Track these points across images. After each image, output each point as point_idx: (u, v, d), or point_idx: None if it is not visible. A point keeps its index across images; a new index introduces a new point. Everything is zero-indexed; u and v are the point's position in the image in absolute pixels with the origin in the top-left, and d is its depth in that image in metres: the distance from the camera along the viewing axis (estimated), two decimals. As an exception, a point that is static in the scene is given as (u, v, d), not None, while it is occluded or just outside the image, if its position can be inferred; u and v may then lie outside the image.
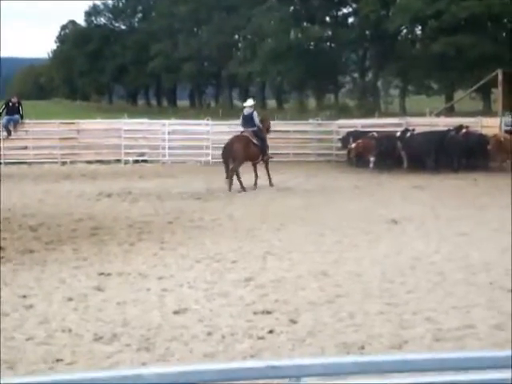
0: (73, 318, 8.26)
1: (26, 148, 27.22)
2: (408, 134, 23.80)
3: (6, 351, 7.15)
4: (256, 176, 20.20)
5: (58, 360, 7.00)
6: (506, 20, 54.01)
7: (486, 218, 14.55)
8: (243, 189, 19.40)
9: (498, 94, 29.02)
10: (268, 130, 21.45)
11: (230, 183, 19.44)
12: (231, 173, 19.53)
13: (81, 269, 10.52)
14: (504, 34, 53.86)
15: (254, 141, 20.25)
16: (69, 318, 8.23)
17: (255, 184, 20.13)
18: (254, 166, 20.41)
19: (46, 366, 6.85)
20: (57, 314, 8.38)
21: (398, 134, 24.07)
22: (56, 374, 5.95)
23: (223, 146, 20.48)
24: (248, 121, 20.58)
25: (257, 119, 20.69)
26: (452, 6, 50.43)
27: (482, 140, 23.39)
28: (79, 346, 7.37)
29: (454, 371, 3.75)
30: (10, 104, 27.32)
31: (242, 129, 20.82)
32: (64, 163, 26.85)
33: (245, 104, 22.19)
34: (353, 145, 24.72)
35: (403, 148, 23.85)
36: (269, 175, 20.45)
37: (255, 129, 20.50)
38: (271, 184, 20.25)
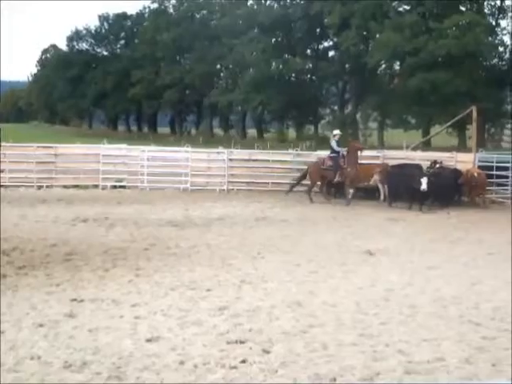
0: (43, 344, 8.15)
1: (1, 171, 27.00)
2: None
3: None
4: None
5: (26, 387, 6.89)
6: (481, 58, 54.93)
7: (457, 253, 14.74)
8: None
9: (472, 130, 29.24)
10: (360, 150, 25.08)
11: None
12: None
13: (53, 294, 10.41)
14: (479, 72, 54.76)
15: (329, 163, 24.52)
16: (38, 345, 8.11)
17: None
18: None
19: (14, 394, 6.73)
20: (26, 341, 8.25)
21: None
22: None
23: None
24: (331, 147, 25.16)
25: (335, 146, 24.66)
26: (429, 44, 51.22)
27: (455, 175, 23.55)
28: (48, 374, 7.26)
29: None
30: (-13, 127, 27.15)
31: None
32: (40, 187, 26.67)
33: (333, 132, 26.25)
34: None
35: (381, 181, 24.03)
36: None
37: (335, 155, 24.54)
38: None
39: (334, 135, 25.24)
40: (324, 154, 29.01)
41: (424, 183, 21.55)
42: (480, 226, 19.03)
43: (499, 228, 18.42)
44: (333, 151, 24.74)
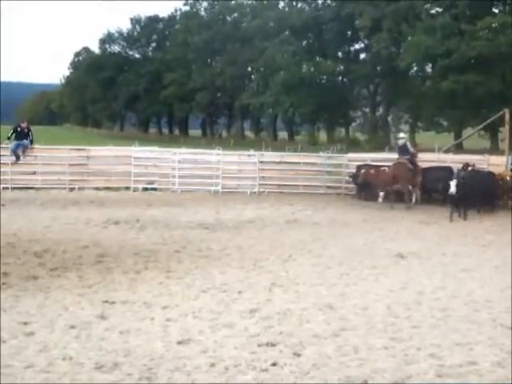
0: (74, 346, 8.18)
1: (34, 173, 27.26)
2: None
3: (3, 379, 7.05)
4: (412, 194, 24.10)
5: (57, 388, 6.94)
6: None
7: (489, 256, 14.63)
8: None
9: (505, 132, 29.01)
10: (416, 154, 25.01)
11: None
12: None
13: (85, 296, 10.47)
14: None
15: (410, 166, 23.92)
16: (70, 346, 8.15)
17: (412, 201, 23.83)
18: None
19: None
20: (58, 342, 8.30)
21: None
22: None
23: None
24: (403, 150, 24.42)
25: (410, 148, 24.89)
26: (461, 45, 50.86)
27: (488, 178, 23.25)
28: (80, 374, 7.30)
29: None
30: (19, 129, 27.41)
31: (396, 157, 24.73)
32: (72, 189, 26.87)
33: (399, 136, 26.56)
34: (362, 171, 24.60)
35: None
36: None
37: (409, 156, 24.18)
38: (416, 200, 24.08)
39: (401, 138, 25.55)
40: (354, 156, 29.04)
41: (453, 186, 21.09)
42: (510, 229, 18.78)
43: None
44: (406, 153, 24.25)
